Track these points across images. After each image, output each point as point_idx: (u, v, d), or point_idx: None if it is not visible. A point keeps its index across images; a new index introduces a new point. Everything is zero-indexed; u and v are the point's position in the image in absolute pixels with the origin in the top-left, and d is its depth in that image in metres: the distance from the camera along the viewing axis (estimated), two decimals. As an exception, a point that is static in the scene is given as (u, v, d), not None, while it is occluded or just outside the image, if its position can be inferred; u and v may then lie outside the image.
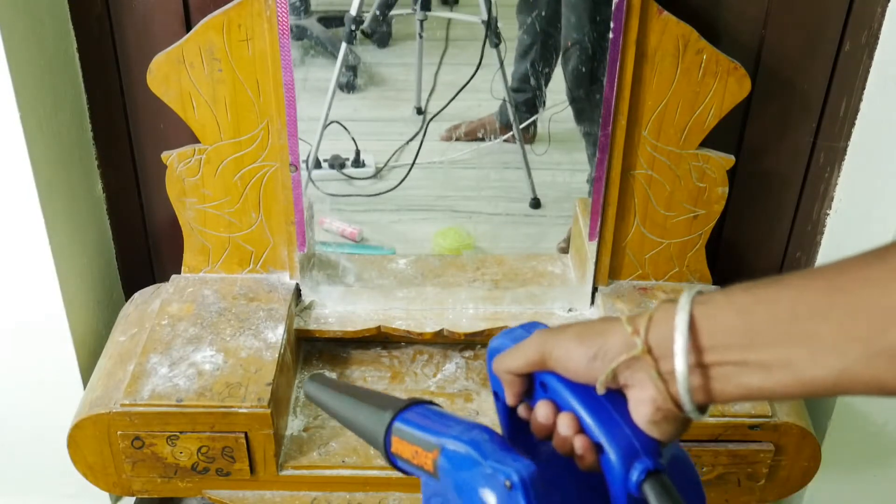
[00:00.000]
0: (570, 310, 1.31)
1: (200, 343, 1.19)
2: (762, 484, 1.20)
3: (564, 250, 1.41)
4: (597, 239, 1.27)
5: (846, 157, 1.32)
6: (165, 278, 1.34)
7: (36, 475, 1.43)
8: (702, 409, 0.55)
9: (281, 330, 1.21)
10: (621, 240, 1.29)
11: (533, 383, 0.61)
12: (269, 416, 1.10)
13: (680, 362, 0.52)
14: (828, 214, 1.38)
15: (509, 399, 0.62)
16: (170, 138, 1.29)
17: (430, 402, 0.65)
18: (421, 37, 1.35)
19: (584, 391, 0.57)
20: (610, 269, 1.31)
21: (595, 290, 1.31)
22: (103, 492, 1.21)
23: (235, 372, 1.15)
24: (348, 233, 1.48)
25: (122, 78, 1.28)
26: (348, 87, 1.42)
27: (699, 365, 0.52)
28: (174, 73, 1.16)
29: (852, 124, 1.29)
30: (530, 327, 0.63)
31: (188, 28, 1.22)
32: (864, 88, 1.26)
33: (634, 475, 0.55)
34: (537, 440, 0.61)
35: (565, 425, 0.58)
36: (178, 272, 1.33)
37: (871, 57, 1.24)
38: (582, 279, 1.32)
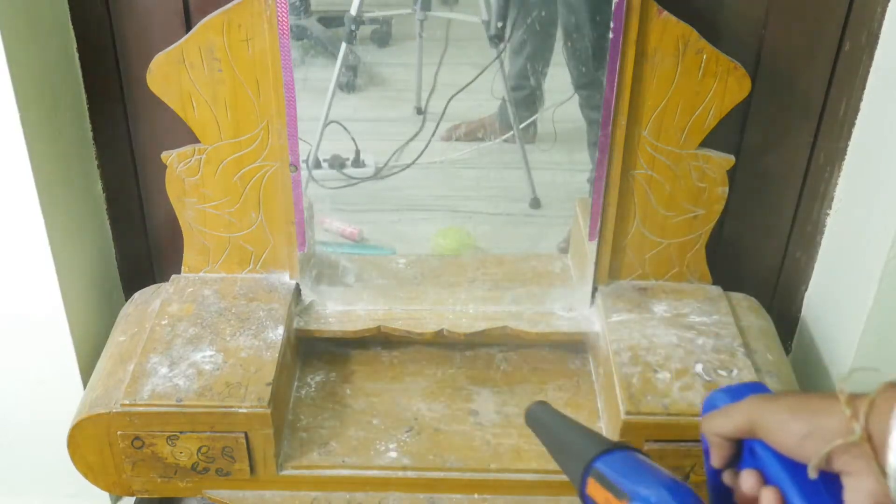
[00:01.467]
0: (570, 310, 1.31)
1: (200, 343, 1.19)
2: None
3: (564, 250, 1.41)
4: (597, 239, 1.28)
5: (846, 157, 1.32)
6: (165, 278, 1.34)
7: (36, 475, 1.43)
8: None
9: (281, 330, 1.21)
10: (621, 240, 1.29)
11: (741, 448, 0.58)
12: (269, 416, 1.10)
13: (893, 457, 0.47)
14: (828, 214, 1.37)
15: (715, 461, 0.60)
16: (170, 138, 1.29)
17: (636, 450, 0.63)
18: (421, 37, 1.35)
19: (795, 467, 0.53)
20: (610, 269, 1.31)
21: (595, 290, 1.31)
22: (103, 492, 1.21)
23: (235, 372, 1.15)
24: (348, 233, 1.47)
25: (122, 78, 1.28)
26: (348, 87, 1.41)
27: None
28: (174, 73, 1.16)
29: (852, 124, 1.29)
30: (749, 389, 0.59)
31: (188, 28, 1.22)
32: (864, 88, 1.26)
33: None
34: None
35: (770, 500, 0.54)
36: (178, 272, 1.33)
37: (871, 57, 1.24)
38: (582, 279, 1.32)
